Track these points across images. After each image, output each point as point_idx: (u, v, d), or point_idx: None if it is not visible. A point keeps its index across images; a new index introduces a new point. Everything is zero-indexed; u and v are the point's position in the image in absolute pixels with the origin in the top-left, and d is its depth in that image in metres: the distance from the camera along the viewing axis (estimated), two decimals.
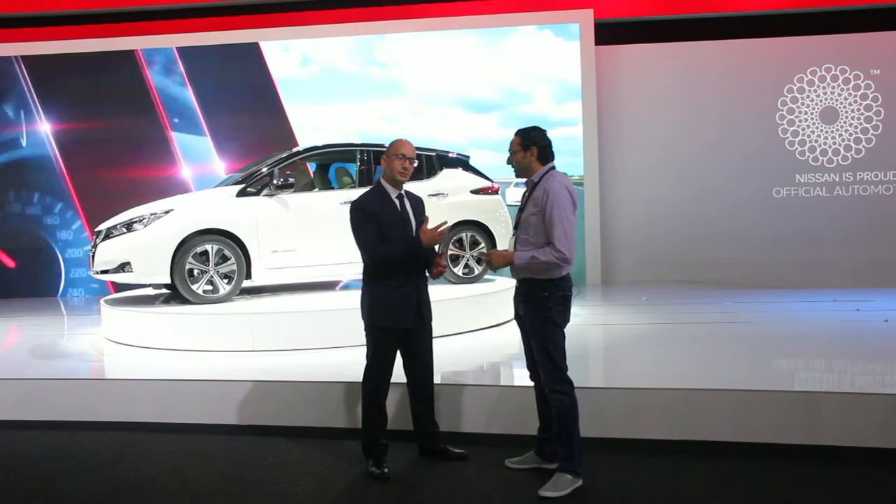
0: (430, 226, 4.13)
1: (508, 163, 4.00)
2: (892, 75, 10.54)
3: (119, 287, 9.69)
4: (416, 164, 4.26)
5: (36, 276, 11.25)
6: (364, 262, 4.18)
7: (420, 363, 4.26)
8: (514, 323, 4.14)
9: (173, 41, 11.07)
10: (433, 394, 4.34)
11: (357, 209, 4.14)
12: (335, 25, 11.03)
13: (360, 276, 4.32)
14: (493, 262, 3.94)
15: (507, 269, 3.99)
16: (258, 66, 11.05)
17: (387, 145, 4.26)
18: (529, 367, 4.07)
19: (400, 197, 4.19)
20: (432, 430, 4.35)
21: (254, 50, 11.06)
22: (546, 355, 3.80)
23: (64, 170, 11.19)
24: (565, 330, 3.90)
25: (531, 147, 3.87)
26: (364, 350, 4.23)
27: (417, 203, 4.30)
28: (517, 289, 3.99)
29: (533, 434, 4.16)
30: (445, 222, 4.15)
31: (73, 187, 11.20)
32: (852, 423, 4.35)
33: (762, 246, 10.62)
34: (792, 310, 7.97)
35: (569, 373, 3.85)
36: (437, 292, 6.94)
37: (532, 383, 4.09)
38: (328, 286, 7.92)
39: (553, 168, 3.91)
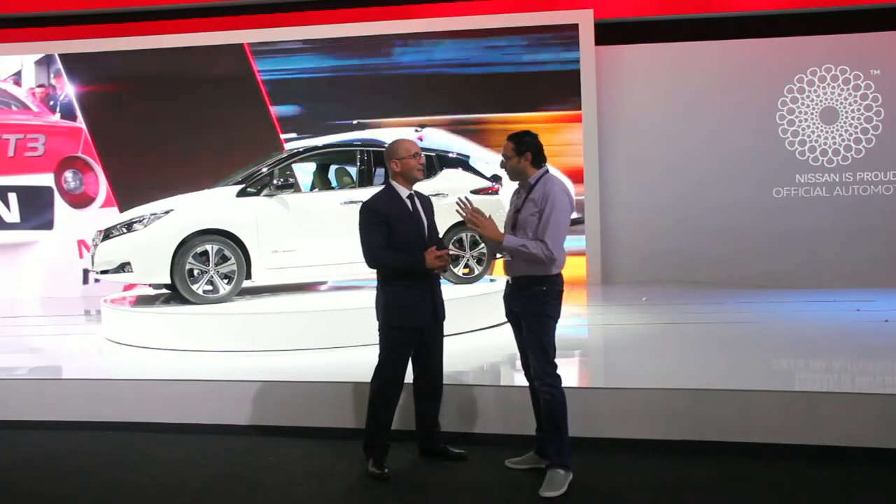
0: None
1: (502, 167, 4.06)
2: (892, 75, 10.54)
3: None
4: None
5: None
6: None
7: (432, 363, 4.26)
8: None
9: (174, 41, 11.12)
10: (441, 394, 4.34)
11: (368, 210, 4.13)
12: (335, 26, 11.03)
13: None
14: (487, 228, 3.88)
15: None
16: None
17: (388, 146, 4.26)
18: (524, 366, 4.09)
19: (411, 197, 4.20)
20: (434, 430, 4.34)
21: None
22: (540, 347, 3.86)
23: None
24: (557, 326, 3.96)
25: (525, 152, 3.94)
26: (368, 349, 4.23)
27: (427, 203, 4.32)
28: (510, 287, 4.03)
29: (533, 434, 4.16)
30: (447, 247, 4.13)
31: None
32: (852, 423, 4.35)
33: (762, 246, 10.61)
34: (792, 310, 7.98)
35: (569, 372, 3.88)
36: None
37: (527, 383, 4.11)
38: (340, 286, 7.91)
39: (548, 171, 3.98)
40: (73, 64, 11.26)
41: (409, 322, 4.11)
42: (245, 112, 11.07)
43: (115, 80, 11.28)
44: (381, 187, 4.28)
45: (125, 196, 10.80)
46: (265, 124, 11.07)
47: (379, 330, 4.19)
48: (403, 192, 4.18)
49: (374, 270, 4.23)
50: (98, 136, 11.25)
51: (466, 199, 4.00)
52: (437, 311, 4.21)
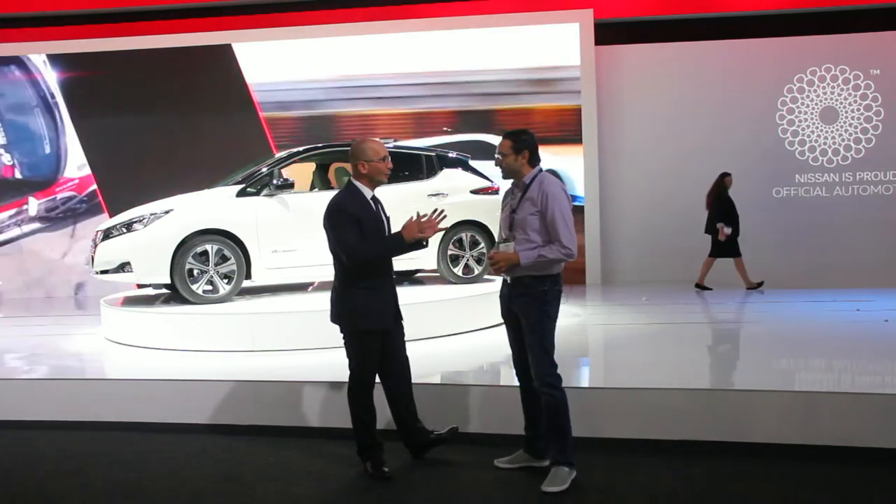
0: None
1: (497, 165, 4.03)
2: (892, 75, 10.54)
3: None
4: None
5: None
6: (344, 263, 4.06)
7: (400, 362, 4.25)
8: None
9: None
10: (412, 390, 4.31)
11: (339, 211, 4.05)
12: (333, 26, 11.01)
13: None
14: (502, 264, 3.89)
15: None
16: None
17: (354, 146, 4.14)
18: (516, 365, 4.10)
19: (374, 199, 4.15)
20: (418, 427, 4.30)
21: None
22: (541, 347, 3.86)
23: None
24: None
25: (523, 150, 3.93)
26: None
27: (381, 204, 4.25)
28: (508, 287, 4.00)
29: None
30: (436, 211, 4.10)
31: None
32: (852, 423, 4.35)
33: (762, 246, 10.59)
34: (792, 310, 7.97)
35: (569, 372, 3.88)
36: (438, 293, 6.98)
37: (518, 383, 4.12)
38: (328, 286, 7.90)
39: (542, 170, 3.99)
40: (62, 63, 11.25)
41: (379, 325, 4.10)
42: (234, 115, 11.08)
43: (105, 79, 11.24)
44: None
45: (113, 197, 10.87)
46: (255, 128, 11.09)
47: (344, 336, 4.17)
48: (367, 194, 4.12)
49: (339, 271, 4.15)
50: (84, 135, 11.25)
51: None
52: (398, 312, 4.24)
